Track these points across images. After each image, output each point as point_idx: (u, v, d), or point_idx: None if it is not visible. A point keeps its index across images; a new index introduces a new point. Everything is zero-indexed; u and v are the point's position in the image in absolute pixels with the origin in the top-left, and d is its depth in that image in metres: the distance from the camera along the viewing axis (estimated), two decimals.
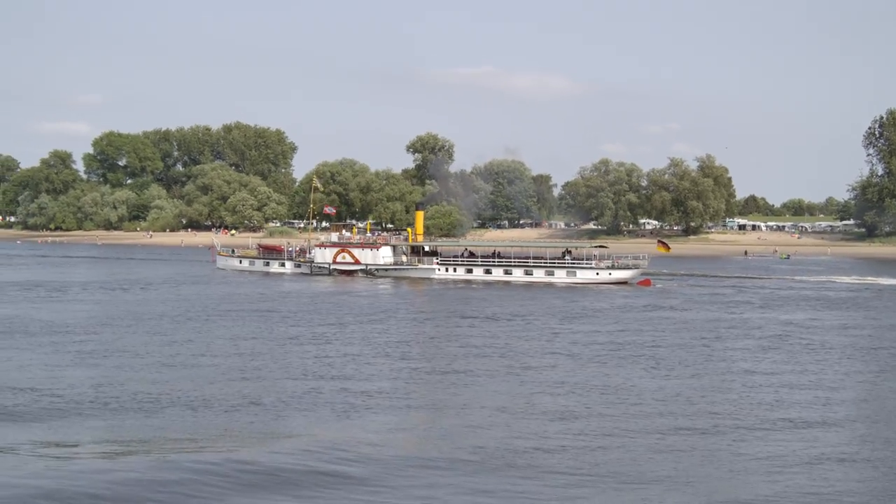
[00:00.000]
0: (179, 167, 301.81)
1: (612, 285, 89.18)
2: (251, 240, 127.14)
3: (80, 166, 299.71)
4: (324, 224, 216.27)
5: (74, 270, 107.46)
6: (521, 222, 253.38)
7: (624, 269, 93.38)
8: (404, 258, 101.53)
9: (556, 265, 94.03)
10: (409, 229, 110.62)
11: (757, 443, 26.72)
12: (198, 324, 52.68)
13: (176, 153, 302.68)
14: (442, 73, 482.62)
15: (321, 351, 43.06)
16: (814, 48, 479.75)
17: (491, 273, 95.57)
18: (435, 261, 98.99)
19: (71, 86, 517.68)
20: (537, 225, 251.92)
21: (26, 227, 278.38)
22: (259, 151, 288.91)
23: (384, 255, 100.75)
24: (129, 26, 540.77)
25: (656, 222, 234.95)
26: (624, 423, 28.86)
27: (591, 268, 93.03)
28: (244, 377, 35.85)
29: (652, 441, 26.70)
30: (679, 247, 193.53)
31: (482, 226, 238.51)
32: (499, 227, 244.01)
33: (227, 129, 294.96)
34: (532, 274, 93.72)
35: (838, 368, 39.88)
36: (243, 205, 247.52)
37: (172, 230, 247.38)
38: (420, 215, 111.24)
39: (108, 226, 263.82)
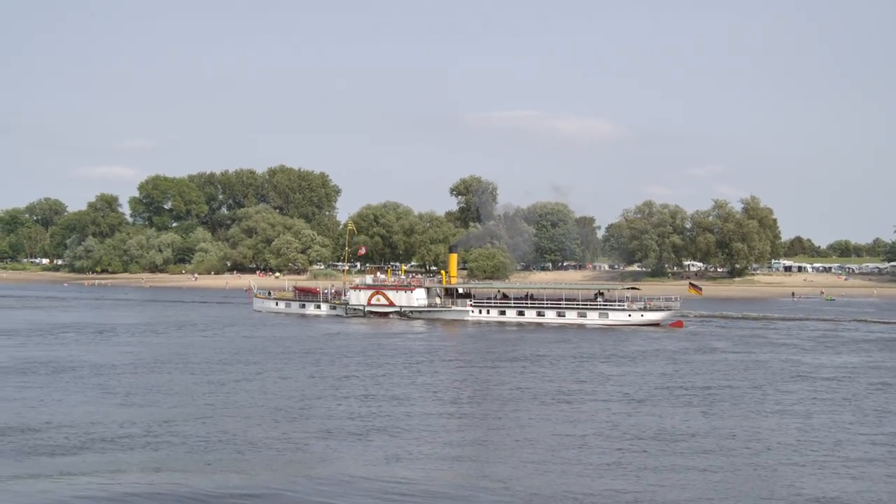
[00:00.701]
0: (224, 210, 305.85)
1: (643, 327, 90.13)
2: (287, 282, 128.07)
3: (126, 210, 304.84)
4: (367, 266, 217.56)
5: (120, 313, 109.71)
6: (565, 264, 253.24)
7: (656, 310, 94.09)
8: (438, 300, 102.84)
9: (589, 307, 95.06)
10: (442, 272, 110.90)
11: (817, 484, 27.54)
12: (242, 366, 54.07)
13: (221, 196, 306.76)
14: (485, 117, 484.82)
15: (369, 393, 44.00)
16: (859, 88, 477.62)
17: (524, 315, 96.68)
18: (468, 303, 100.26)
19: (117, 131, 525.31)
20: (581, 267, 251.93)
21: (73, 269, 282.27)
22: (303, 194, 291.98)
23: (418, 298, 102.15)
24: (173, 72, 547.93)
25: (701, 264, 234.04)
26: (679, 466, 29.51)
27: (623, 309, 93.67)
28: (292, 420, 36.65)
29: (708, 483, 27.30)
30: (724, 289, 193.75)
31: (526, 268, 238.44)
32: (543, 269, 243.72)
33: (272, 172, 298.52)
34: (564, 316, 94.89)
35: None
36: (287, 247, 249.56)
37: (217, 273, 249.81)
38: (453, 258, 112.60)
39: (154, 268, 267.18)
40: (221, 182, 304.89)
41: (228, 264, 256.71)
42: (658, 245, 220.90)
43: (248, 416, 36.97)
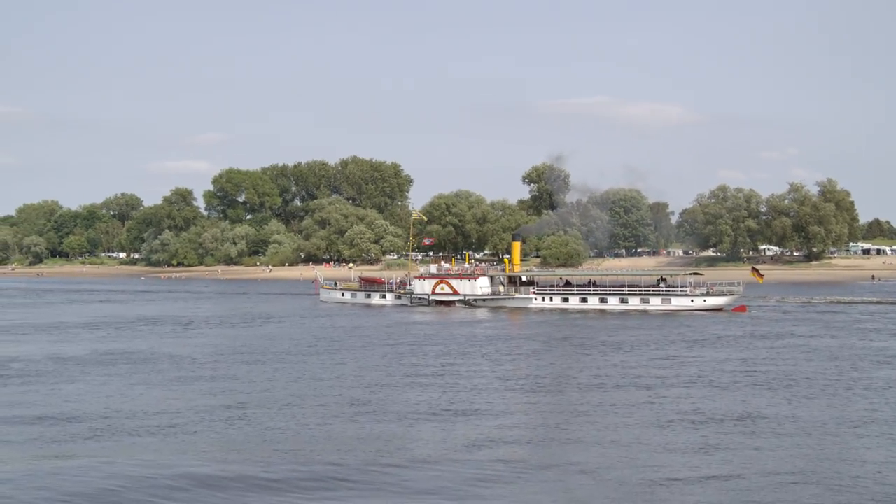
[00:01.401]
0: (297, 202, 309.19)
1: (706, 312, 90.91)
2: (353, 272, 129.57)
3: (200, 203, 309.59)
4: (439, 255, 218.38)
5: (197, 305, 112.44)
6: (638, 251, 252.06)
7: (719, 295, 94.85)
8: (501, 288, 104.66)
9: (651, 293, 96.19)
10: (506, 260, 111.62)
11: None
12: (320, 356, 55.09)
13: (294, 188, 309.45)
14: (555, 104, 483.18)
15: (447, 381, 44.46)
16: None
17: (587, 302, 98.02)
18: (532, 290, 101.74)
19: (191, 125, 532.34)
20: (655, 253, 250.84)
21: (149, 263, 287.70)
22: (375, 185, 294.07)
23: (482, 286, 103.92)
24: (246, 67, 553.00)
25: (777, 248, 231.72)
26: (765, 452, 29.40)
27: (685, 295, 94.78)
28: (372, 407, 37.26)
29: (796, 470, 27.27)
30: (801, 273, 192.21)
31: (599, 255, 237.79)
32: (616, 256, 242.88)
33: (344, 163, 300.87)
34: (627, 302, 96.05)
35: None
36: (360, 238, 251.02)
37: (291, 264, 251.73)
38: (517, 246, 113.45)
39: (229, 261, 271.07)
40: (294, 174, 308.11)
41: (302, 256, 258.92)
42: (733, 230, 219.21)
43: (328, 405, 37.78)
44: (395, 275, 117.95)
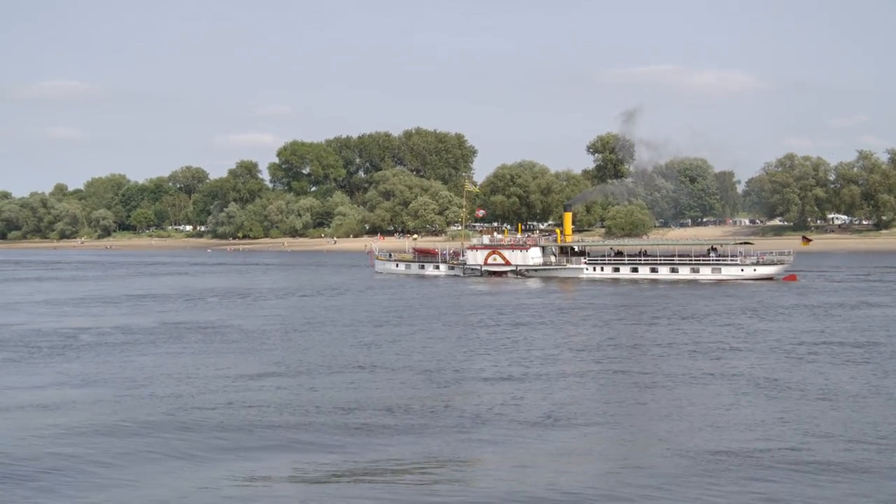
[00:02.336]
0: (361, 174, 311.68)
1: (756, 281, 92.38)
2: (407, 244, 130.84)
3: (265, 175, 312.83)
4: (506, 226, 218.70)
5: (262, 277, 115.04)
6: (704, 220, 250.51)
7: (769, 265, 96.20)
8: (553, 258, 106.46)
9: (702, 262, 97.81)
10: (557, 230, 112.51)
11: None
12: (385, 328, 55.54)
13: (358, 160, 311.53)
14: (620, 73, 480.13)
15: (516, 352, 44.63)
16: None
17: (637, 271, 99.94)
18: (583, 260, 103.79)
19: (257, 98, 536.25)
20: (721, 222, 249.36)
21: (216, 235, 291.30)
22: (439, 156, 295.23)
23: (533, 256, 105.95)
24: (311, 40, 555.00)
25: (845, 217, 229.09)
26: (846, 423, 28.98)
27: (735, 264, 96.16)
28: (443, 378, 37.52)
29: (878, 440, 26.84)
30: (870, 241, 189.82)
31: (665, 225, 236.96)
32: (681, 225, 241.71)
33: (408, 134, 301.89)
34: (678, 272, 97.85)
35: None
36: (425, 209, 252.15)
37: (356, 236, 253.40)
38: (568, 216, 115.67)
39: (294, 233, 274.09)
40: (358, 146, 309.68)
41: (367, 227, 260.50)
42: (800, 199, 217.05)
43: (398, 377, 38.06)
44: (449, 245, 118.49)
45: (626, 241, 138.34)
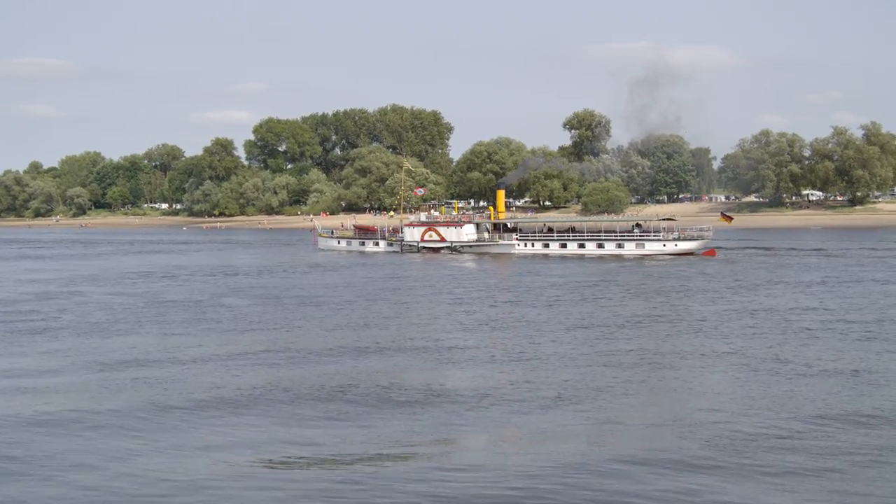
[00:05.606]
0: (338, 151, 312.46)
1: (678, 256, 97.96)
2: (348, 221, 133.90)
3: (241, 153, 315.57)
4: (482, 203, 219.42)
5: (236, 254, 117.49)
6: (680, 196, 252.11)
7: (690, 240, 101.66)
8: (487, 235, 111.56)
9: (626, 238, 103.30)
10: (490, 207, 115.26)
11: None
12: (385, 304, 56.20)
13: (334, 137, 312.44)
14: (596, 49, 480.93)
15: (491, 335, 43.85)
16: None
17: (566, 247, 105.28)
18: (515, 237, 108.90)
19: (232, 75, 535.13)
20: (697, 199, 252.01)
21: (191, 213, 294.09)
22: (416, 133, 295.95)
23: (468, 233, 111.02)
24: (285, 16, 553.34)
25: (820, 193, 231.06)
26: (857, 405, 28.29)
27: (658, 240, 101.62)
28: (430, 359, 36.88)
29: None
30: (844, 217, 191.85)
31: (641, 201, 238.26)
32: (657, 202, 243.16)
33: (383, 111, 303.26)
34: (604, 247, 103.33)
35: None
36: (401, 186, 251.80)
37: (332, 213, 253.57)
38: (501, 194, 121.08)
39: (270, 210, 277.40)
40: (334, 123, 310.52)
41: (343, 205, 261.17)
42: (775, 175, 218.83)
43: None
44: (388, 223, 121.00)
45: (555, 217, 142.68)
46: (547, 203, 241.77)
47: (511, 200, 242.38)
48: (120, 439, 25.62)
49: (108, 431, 26.43)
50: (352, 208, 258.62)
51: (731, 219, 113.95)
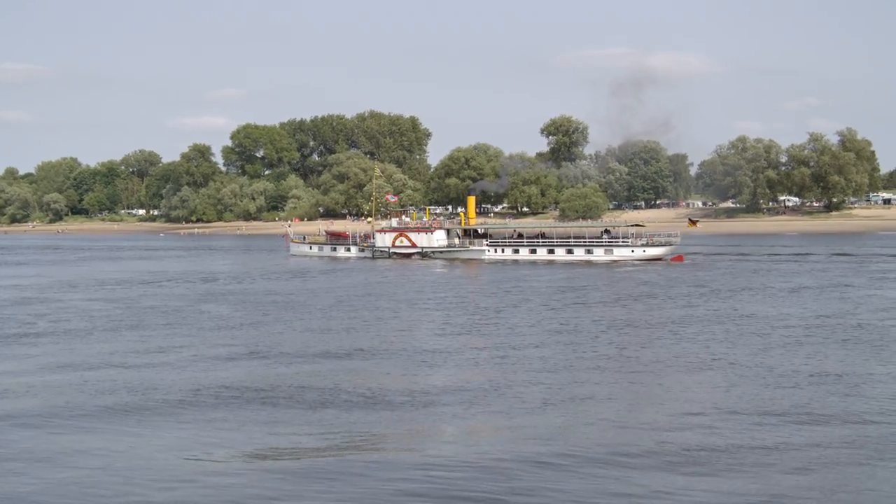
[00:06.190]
0: (315, 157, 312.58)
1: (647, 261, 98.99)
2: (321, 226, 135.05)
3: (219, 159, 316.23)
4: (459, 209, 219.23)
5: (215, 260, 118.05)
6: (657, 202, 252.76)
7: (658, 246, 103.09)
8: (457, 241, 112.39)
9: (595, 244, 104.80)
10: (461, 213, 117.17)
11: None
12: (368, 311, 55.31)
13: (312, 143, 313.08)
14: (574, 56, 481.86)
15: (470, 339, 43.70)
16: None
17: (535, 253, 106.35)
18: (485, 243, 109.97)
19: (209, 81, 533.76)
20: (674, 205, 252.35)
21: (169, 219, 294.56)
22: (394, 139, 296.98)
23: (438, 238, 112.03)
24: (262, 21, 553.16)
25: (797, 199, 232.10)
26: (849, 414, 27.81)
27: (627, 246, 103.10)
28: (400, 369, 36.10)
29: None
30: (820, 223, 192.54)
31: (618, 207, 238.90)
32: (635, 207, 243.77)
33: (361, 117, 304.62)
34: (573, 253, 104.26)
35: None
36: (379, 192, 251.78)
37: (310, 219, 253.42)
38: (472, 200, 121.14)
39: (248, 216, 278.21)
40: (311, 129, 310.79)
41: (321, 210, 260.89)
42: (752, 181, 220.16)
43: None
44: (360, 228, 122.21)
45: (526, 223, 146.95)
46: (525, 209, 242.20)
47: (489, 206, 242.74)
48: (97, 438, 25.73)
49: (86, 430, 26.56)
50: (330, 214, 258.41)
51: (696, 223, 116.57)
